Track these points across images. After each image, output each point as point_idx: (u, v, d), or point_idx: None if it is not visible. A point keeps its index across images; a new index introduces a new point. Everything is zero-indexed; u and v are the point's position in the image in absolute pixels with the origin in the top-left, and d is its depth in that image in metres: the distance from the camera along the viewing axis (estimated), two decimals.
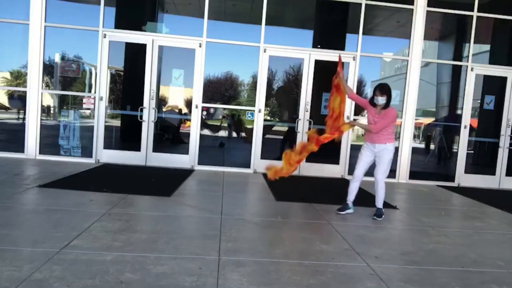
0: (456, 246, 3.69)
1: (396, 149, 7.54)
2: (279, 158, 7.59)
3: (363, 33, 7.16)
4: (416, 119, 7.54)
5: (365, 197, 5.62)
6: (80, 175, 5.71)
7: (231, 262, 2.82)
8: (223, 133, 9.33)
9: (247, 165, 7.13)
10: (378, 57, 8.17)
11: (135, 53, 7.39)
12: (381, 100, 4.24)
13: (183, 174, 6.37)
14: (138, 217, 3.95)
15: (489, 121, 8.03)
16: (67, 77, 7.48)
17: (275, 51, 7.06)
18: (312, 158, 7.16)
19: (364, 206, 4.91)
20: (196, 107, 6.98)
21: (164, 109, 8.57)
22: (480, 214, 5.13)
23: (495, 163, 7.54)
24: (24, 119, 7.09)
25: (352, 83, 7.15)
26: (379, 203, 4.44)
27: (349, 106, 7.24)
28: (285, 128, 8.21)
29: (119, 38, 6.91)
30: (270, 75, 7.64)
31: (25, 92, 6.78)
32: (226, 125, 9.51)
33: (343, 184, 6.73)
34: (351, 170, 7.19)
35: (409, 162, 7.34)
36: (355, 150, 7.32)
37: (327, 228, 3.95)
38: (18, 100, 7.90)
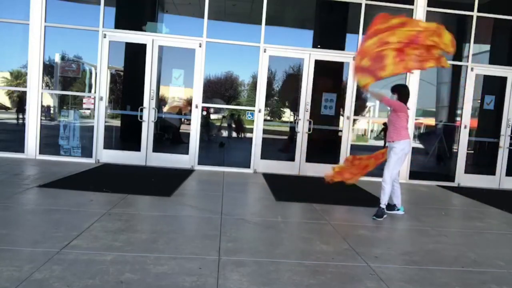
0: (456, 246, 3.68)
1: None
2: (279, 158, 7.69)
3: (363, 33, 7.15)
4: (416, 119, 7.54)
5: (365, 197, 5.63)
6: (80, 175, 5.71)
7: (231, 262, 2.82)
8: (223, 133, 9.33)
9: (247, 165, 7.13)
10: None
11: (135, 53, 7.39)
12: (392, 97, 4.47)
13: (183, 174, 6.37)
14: (138, 217, 3.95)
15: (489, 121, 8.03)
16: (67, 77, 7.48)
17: (275, 51, 7.06)
18: (312, 158, 7.23)
19: (364, 206, 4.91)
20: (196, 107, 6.98)
21: (167, 110, 8.56)
22: (480, 214, 5.13)
23: (495, 163, 7.54)
24: (22, 119, 7.11)
25: (352, 83, 7.15)
26: (381, 202, 4.38)
27: (349, 107, 7.25)
28: (285, 128, 8.22)
29: (119, 38, 6.91)
30: (270, 75, 7.64)
31: (25, 92, 6.79)
32: (226, 125, 9.51)
33: (343, 184, 6.72)
34: None
35: (409, 162, 7.33)
36: (355, 150, 7.34)
37: (327, 228, 3.95)
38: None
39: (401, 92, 4.47)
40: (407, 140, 4.38)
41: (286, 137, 8.14)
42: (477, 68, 7.38)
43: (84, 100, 7.19)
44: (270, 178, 6.53)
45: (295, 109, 7.42)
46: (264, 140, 7.17)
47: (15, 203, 4.04)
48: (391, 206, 4.61)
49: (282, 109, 9.35)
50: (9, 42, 7.17)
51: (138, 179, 5.81)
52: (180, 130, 8.55)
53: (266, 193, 5.44)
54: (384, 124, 8.72)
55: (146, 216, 4.04)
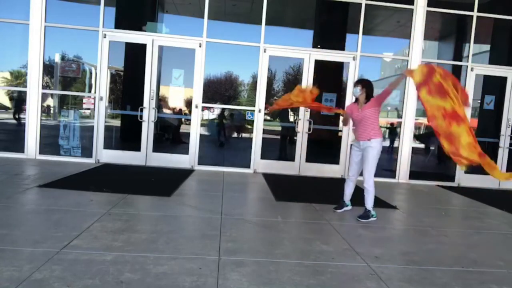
0: (456, 246, 3.68)
1: (396, 149, 7.56)
2: (279, 158, 7.68)
3: (363, 33, 7.16)
4: (416, 119, 7.54)
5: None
6: (80, 175, 5.71)
7: (231, 262, 2.82)
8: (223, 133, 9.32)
9: (247, 165, 7.14)
10: (378, 57, 8.17)
11: (135, 53, 7.40)
12: (355, 91, 4.27)
13: (183, 174, 6.37)
14: (138, 217, 3.95)
15: (489, 121, 8.03)
16: (67, 77, 7.48)
17: (275, 51, 7.06)
18: (312, 158, 7.23)
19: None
20: (196, 107, 6.99)
21: (167, 109, 8.56)
22: (480, 214, 5.12)
23: (495, 163, 7.52)
24: (19, 118, 7.12)
25: (352, 83, 7.14)
26: (366, 204, 4.29)
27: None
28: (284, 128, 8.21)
29: (119, 38, 6.91)
30: (270, 75, 7.64)
31: (25, 92, 6.80)
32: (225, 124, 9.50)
33: (343, 184, 6.72)
34: None
35: (409, 162, 7.34)
36: None
37: (327, 228, 3.95)
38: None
39: (370, 87, 4.21)
40: (381, 138, 4.22)
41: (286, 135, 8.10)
42: (477, 68, 7.38)
43: (84, 100, 7.19)
44: (270, 178, 6.53)
45: (294, 109, 7.42)
46: (264, 140, 7.17)
47: (15, 203, 4.04)
48: (343, 203, 4.59)
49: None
50: (9, 42, 7.18)
51: (138, 179, 5.81)
52: (180, 130, 8.55)
53: (266, 193, 5.44)
54: (391, 124, 8.73)
55: (146, 216, 4.04)
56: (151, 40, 6.86)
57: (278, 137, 8.14)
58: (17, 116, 8.41)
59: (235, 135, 9.10)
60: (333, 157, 7.33)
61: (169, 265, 2.66)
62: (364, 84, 4.26)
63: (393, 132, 8.54)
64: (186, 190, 5.30)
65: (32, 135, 6.75)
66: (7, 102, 9.16)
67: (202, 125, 7.17)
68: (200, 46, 6.90)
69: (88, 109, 7.14)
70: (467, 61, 7.41)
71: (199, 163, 7.04)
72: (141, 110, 6.90)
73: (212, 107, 8.64)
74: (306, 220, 4.34)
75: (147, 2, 8.20)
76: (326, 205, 4.85)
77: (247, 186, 6.15)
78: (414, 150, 7.58)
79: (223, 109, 8.71)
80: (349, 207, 4.62)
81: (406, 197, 6.26)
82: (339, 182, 6.81)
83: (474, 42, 7.38)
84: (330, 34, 8.01)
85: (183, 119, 8.54)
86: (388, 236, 3.91)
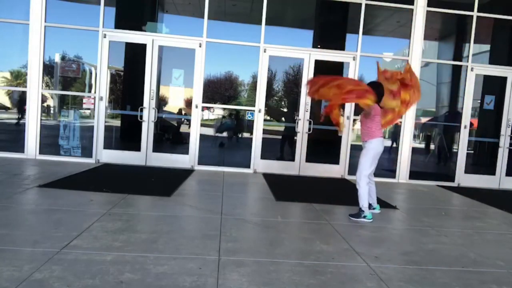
0: (456, 246, 3.68)
1: (396, 149, 7.56)
2: (279, 158, 7.68)
3: (363, 33, 7.16)
4: (416, 120, 7.54)
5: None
6: (80, 175, 5.71)
7: (231, 262, 2.82)
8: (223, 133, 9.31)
9: (247, 165, 7.14)
10: (378, 57, 8.16)
11: (135, 53, 7.39)
12: None
13: (183, 174, 6.37)
14: (138, 217, 3.95)
15: (489, 121, 8.04)
16: (67, 77, 7.48)
17: (275, 51, 7.06)
18: (312, 158, 7.23)
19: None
20: (196, 107, 6.99)
21: (167, 110, 8.56)
22: (480, 214, 5.13)
23: (495, 163, 7.54)
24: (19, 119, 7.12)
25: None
26: (359, 203, 4.28)
27: (349, 107, 7.25)
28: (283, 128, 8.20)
29: (119, 38, 6.91)
30: (270, 75, 7.64)
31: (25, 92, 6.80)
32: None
33: (343, 184, 6.74)
34: (351, 170, 7.22)
35: (409, 162, 7.34)
36: (355, 150, 7.34)
37: (327, 228, 3.95)
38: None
39: (377, 91, 4.15)
40: (379, 138, 4.23)
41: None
42: (477, 68, 7.39)
43: (84, 100, 7.19)
44: (270, 178, 6.53)
45: (295, 109, 7.42)
46: (264, 140, 7.17)
47: (15, 203, 4.04)
48: (369, 205, 4.57)
49: (282, 109, 9.34)
50: (9, 42, 7.18)
51: (138, 179, 5.81)
52: (180, 130, 8.54)
53: (266, 193, 5.44)
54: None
55: (146, 216, 4.04)
56: (151, 40, 6.86)
57: (279, 137, 8.13)
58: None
59: (243, 135, 9.09)
60: (333, 157, 7.33)
61: (169, 265, 2.66)
62: (373, 88, 4.12)
63: (393, 132, 8.54)
64: (186, 190, 5.30)
65: (32, 135, 6.75)
66: (7, 102, 9.16)
67: (208, 125, 7.17)
68: (200, 46, 6.90)
69: (88, 109, 7.14)
70: (467, 61, 7.41)
71: (199, 163, 7.05)
72: (141, 110, 6.90)
73: (212, 107, 8.64)
74: (306, 220, 4.34)
75: (147, 2, 8.19)
76: (326, 205, 4.86)
77: (247, 186, 6.15)
78: (414, 150, 7.59)
79: (232, 110, 8.72)
80: (377, 211, 4.57)
81: (406, 197, 6.26)
82: (339, 182, 6.83)
83: (474, 42, 7.38)
84: (330, 34, 8.01)
85: (183, 119, 8.53)
86: (388, 236, 3.91)
